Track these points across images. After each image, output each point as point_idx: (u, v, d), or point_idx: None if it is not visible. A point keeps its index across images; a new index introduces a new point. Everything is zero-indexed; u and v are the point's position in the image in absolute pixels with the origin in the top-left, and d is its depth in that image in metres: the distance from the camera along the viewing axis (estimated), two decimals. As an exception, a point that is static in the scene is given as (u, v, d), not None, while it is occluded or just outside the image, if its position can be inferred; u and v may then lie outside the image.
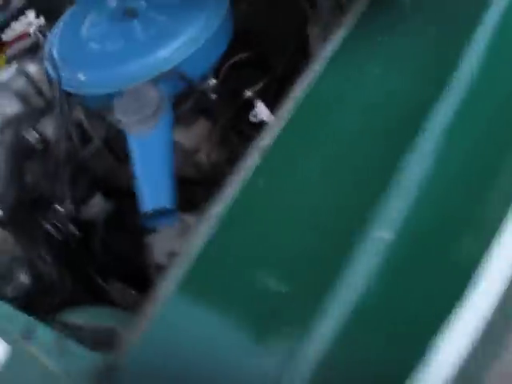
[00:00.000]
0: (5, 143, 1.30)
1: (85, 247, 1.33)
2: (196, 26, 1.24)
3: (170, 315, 0.77)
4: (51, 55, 1.26)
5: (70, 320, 0.98)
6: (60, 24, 1.37)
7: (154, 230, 1.06)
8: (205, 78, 1.31)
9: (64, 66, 1.23)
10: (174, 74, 1.17)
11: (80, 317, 0.99)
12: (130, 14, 1.28)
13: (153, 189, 1.05)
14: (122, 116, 1.09)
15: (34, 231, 1.29)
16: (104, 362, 0.74)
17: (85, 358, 0.76)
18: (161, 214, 1.02)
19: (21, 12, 1.65)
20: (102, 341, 0.86)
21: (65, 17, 1.39)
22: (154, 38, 1.24)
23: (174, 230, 1.06)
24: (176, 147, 1.38)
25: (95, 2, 1.33)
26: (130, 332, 0.76)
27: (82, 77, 1.21)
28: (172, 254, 1.05)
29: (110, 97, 1.16)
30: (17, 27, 1.59)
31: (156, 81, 1.14)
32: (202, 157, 1.42)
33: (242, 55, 1.39)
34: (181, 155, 1.42)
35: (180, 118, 1.34)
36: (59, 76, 1.20)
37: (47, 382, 0.81)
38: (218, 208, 0.81)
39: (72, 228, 1.29)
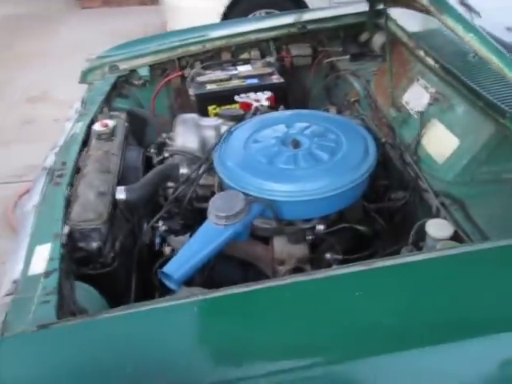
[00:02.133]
0: (165, 163, 1.75)
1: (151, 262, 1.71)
2: (323, 183, 1.47)
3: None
4: (220, 139, 1.64)
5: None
6: (240, 125, 1.74)
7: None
8: (309, 220, 1.56)
9: (227, 151, 1.61)
10: (269, 205, 1.44)
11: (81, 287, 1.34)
12: (294, 144, 1.59)
13: (180, 260, 1.35)
14: (211, 205, 1.41)
15: (132, 224, 1.70)
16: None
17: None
18: (167, 278, 1.32)
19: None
20: (72, 311, 1.21)
21: (247, 122, 1.75)
22: (288, 171, 1.52)
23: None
24: (272, 249, 1.68)
25: (268, 127, 1.67)
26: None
27: (233, 168, 1.55)
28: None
29: (227, 186, 1.49)
30: (251, 96, 2.05)
31: (252, 200, 1.43)
32: (281, 269, 1.68)
33: (355, 226, 1.60)
34: (270, 256, 1.70)
35: (288, 235, 1.62)
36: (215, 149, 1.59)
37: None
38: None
39: (152, 243, 1.68)
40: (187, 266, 1.32)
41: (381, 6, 2.37)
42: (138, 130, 2.19)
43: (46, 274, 1.29)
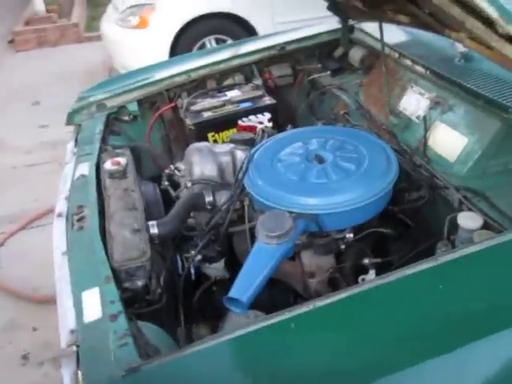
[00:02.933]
0: (189, 193, 1.77)
1: (191, 292, 1.72)
2: (358, 193, 1.54)
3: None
4: (248, 164, 1.69)
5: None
6: (259, 147, 1.80)
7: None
8: (342, 231, 1.63)
9: (257, 174, 1.65)
10: (313, 220, 1.49)
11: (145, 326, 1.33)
12: (318, 160, 1.65)
13: (243, 283, 1.37)
14: (259, 227, 1.44)
15: (168, 257, 1.70)
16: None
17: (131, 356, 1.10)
18: (235, 302, 1.34)
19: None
20: (146, 352, 1.19)
21: (264, 144, 1.82)
22: (323, 185, 1.58)
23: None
24: (300, 263, 1.73)
25: (286, 146, 1.74)
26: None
27: (268, 189, 1.59)
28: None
29: (268, 208, 1.53)
30: (253, 119, 2.11)
31: (297, 216, 1.47)
32: (312, 282, 1.73)
33: (382, 230, 1.68)
34: (299, 271, 1.75)
35: (317, 246, 1.67)
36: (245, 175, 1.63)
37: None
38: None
39: (190, 272, 1.68)
40: (252, 288, 1.35)
41: (352, 22, 2.51)
42: (137, 164, 2.19)
43: (113, 318, 1.27)
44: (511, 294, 1.10)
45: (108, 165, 1.86)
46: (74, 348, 1.25)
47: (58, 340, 1.30)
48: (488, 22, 1.14)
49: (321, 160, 1.66)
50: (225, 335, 1.11)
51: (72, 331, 1.29)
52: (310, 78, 2.55)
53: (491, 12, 1.00)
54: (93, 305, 1.35)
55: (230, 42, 4.85)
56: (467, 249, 1.21)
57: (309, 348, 1.05)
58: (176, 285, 1.66)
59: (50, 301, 2.67)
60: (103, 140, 2.17)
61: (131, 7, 4.98)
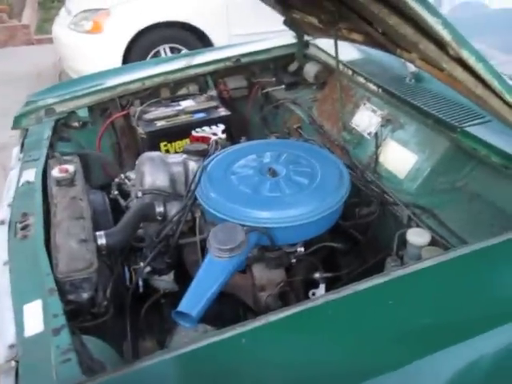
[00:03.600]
0: (140, 203, 1.73)
1: (138, 304, 1.67)
2: (311, 207, 1.55)
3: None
4: (200, 174, 1.67)
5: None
6: (213, 158, 1.79)
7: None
8: (294, 245, 1.63)
9: (210, 186, 1.62)
10: (266, 233, 1.48)
11: (89, 341, 1.28)
12: (271, 173, 1.65)
13: (193, 297, 1.35)
14: (211, 239, 1.42)
15: (116, 269, 1.65)
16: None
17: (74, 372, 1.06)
18: (184, 317, 1.31)
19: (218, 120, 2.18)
20: (91, 367, 1.15)
21: (218, 155, 1.80)
22: (276, 199, 1.58)
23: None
24: (251, 276, 1.72)
25: (240, 158, 1.74)
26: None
27: (221, 201, 1.57)
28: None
29: (220, 221, 1.51)
30: (206, 130, 2.09)
31: (250, 229, 1.46)
32: (263, 295, 1.72)
33: (332, 245, 1.69)
34: (250, 284, 1.73)
35: (268, 260, 1.66)
36: (198, 186, 1.61)
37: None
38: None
39: (138, 284, 1.64)
40: (202, 302, 1.32)
41: (308, 38, 2.54)
42: (86, 173, 2.13)
43: (55, 332, 1.22)
44: (458, 311, 1.12)
45: (55, 172, 1.79)
46: (13, 363, 1.18)
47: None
48: (440, 44, 1.17)
49: (274, 173, 1.66)
50: (173, 351, 1.08)
51: (11, 346, 1.23)
52: (265, 91, 2.56)
53: (445, 35, 1.03)
54: (35, 318, 1.29)
55: (184, 51, 4.84)
56: (417, 265, 1.23)
57: (260, 364, 1.04)
58: (123, 297, 1.61)
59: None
60: (51, 146, 2.10)
61: (85, 11, 4.89)
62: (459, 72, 1.19)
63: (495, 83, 1.10)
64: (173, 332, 1.50)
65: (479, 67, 1.08)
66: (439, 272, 1.21)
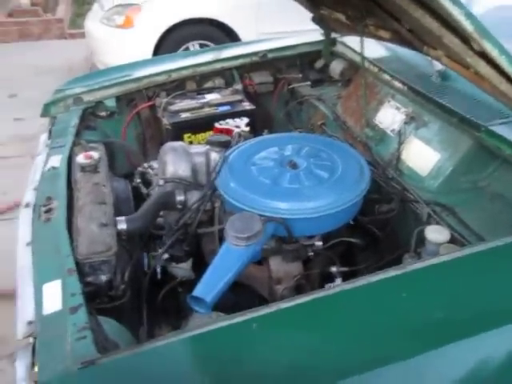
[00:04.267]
0: (161, 191, 1.75)
1: (156, 290, 1.69)
2: (330, 200, 1.55)
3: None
4: (222, 165, 1.69)
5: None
6: (234, 149, 1.80)
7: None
8: (311, 238, 1.63)
9: (230, 176, 1.64)
10: (283, 224, 1.49)
11: (105, 322, 1.31)
12: (292, 165, 1.66)
13: (209, 283, 1.36)
14: (228, 227, 1.43)
15: (135, 254, 1.68)
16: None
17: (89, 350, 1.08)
18: (199, 302, 1.32)
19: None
20: (105, 346, 1.17)
21: (240, 147, 1.81)
22: (295, 190, 1.58)
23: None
24: (268, 269, 1.72)
25: (262, 150, 1.75)
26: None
27: (240, 191, 1.58)
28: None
29: (239, 210, 1.53)
30: (230, 123, 2.11)
31: (267, 219, 1.47)
32: (279, 288, 1.72)
33: (350, 240, 1.69)
34: (266, 276, 1.74)
35: (286, 252, 1.67)
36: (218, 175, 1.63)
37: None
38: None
39: (156, 271, 1.66)
40: (216, 289, 1.34)
41: (335, 35, 2.54)
42: (110, 161, 2.17)
43: (73, 310, 1.24)
44: (471, 306, 1.11)
45: (80, 158, 1.83)
46: (31, 340, 1.21)
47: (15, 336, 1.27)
48: (464, 39, 1.16)
49: (295, 166, 1.66)
50: (184, 333, 1.10)
51: (30, 322, 1.26)
52: (290, 87, 2.56)
53: (467, 26, 1.02)
54: (53, 297, 1.32)
55: (212, 47, 4.87)
56: (433, 260, 1.23)
57: (269, 349, 1.05)
58: (141, 283, 1.64)
59: (8, 295, 2.61)
60: (77, 134, 2.14)
61: (117, 6, 4.96)
62: (483, 66, 1.18)
63: (519, 77, 1.09)
64: (187, 319, 1.51)
65: (502, 60, 1.07)
66: (454, 267, 1.21)
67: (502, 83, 1.21)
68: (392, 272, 1.18)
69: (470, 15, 1.02)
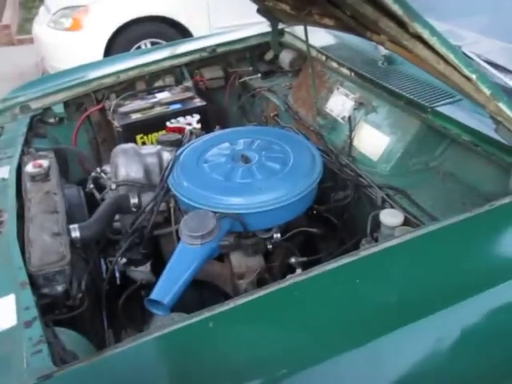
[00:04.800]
0: (114, 195, 1.72)
1: (114, 295, 1.67)
2: (283, 191, 1.54)
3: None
4: (173, 164, 1.67)
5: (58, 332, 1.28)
6: (186, 147, 1.78)
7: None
8: (269, 230, 1.63)
9: (182, 175, 1.62)
10: (238, 219, 1.48)
11: (62, 332, 1.28)
12: (244, 160, 1.65)
13: (165, 285, 1.35)
14: (182, 227, 1.42)
15: (90, 260, 1.65)
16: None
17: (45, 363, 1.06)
18: (157, 305, 1.31)
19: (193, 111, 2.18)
20: (63, 358, 1.15)
21: (191, 144, 1.80)
22: (248, 185, 1.58)
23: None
24: (229, 265, 1.72)
25: (213, 146, 1.74)
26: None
27: (193, 189, 1.57)
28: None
29: (193, 209, 1.51)
30: (181, 121, 2.09)
31: (221, 216, 1.46)
32: (242, 283, 1.72)
33: (308, 230, 1.70)
34: (228, 272, 1.74)
35: (246, 247, 1.66)
36: (169, 177, 1.61)
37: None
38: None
39: (115, 276, 1.64)
40: (173, 290, 1.32)
41: (282, 25, 2.53)
42: (63, 168, 2.12)
43: (27, 324, 1.21)
44: (423, 287, 1.12)
45: (29, 167, 1.78)
46: (-15, 357, 1.18)
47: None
48: (400, 22, 1.17)
49: (247, 160, 1.65)
50: (142, 337, 1.09)
51: (-17, 339, 1.23)
52: (242, 80, 2.55)
53: (396, 9, 1.03)
54: (7, 312, 1.29)
55: (164, 45, 4.81)
56: (387, 243, 1.24)
57: (226, 346, 1.04)
58: (100, 290, 1.61)
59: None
60: (27, 142, 2.09)
61: (64, 9, 4.85)
62: (420, 49, 1.20)
63: (451, 57, 1.10)
64: (149, 321, 1.50)
65: (434, 41, 1.08)
66: (407, 249, 1.22)
67: (439, 63, 1.22)
68: (346, 259, 1.19)
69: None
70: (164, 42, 4.84)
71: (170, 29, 4.87)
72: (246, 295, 1.14)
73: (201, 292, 1.80)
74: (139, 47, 4.84)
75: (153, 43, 4.86)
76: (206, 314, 1.09)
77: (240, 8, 4.72)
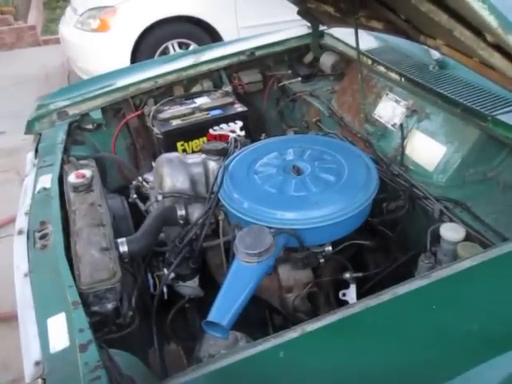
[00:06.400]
0: (161, 207, 1.67)
1: (163, 310, 1.62)
2: (341, 205, 1.48)
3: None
4: (222, 175, 1.61)
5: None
6: (234, 158, 1.72)
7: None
8: (322, 245, 1.57)
9: (233, 187, 1.56)
10: (294, 235, 1.42)
11: (117, 355, 1.23)
12: (296, 171, 1.59)
13: (223, 306, 1.29)
14: (238, 243, 1.36)
15: (139, 276, 1.60)
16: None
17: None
18: (215, 326, 1.25)
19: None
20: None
21: (239, 154, 1.74)
22: (303, 198, 1.51)
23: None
24: (277, 278, 1.66)
25: (262, 156, 1.67)
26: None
27: (245, 202, 1.51)
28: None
29: (245, 223, 1.46)
30: (224, 128, 2.03)
31: (277, 232, 1.40)
32: (290, 296, 1.66)
33: (361, 242, 1.63)
34: (276, 285, 1.68)
35: (296, 260, 1.60)
36: (221, 188, 1.55)
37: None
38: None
39: (162, 291, 1.59)
40: (231, 311, 1.27)
41: (323, 27, 2.46)
42: (102, 176, 2.08)
43: (82, 348, 1.17)
44: (507, 314, 1.05)
45: (72, 178, 1.74)
46: (40, 382, 1.14)
47: (17, 361, 1.19)
48: (477, 31, 1.10)
49: (299, 171, 1.59)
50: (206, 366, 1.03)
51: (37, 363, 1.18)
52: (281, 84, 2.49)
53: (491, 21, 0.96)
54: (59, 332, 1.24)
55: (193, 46, 4.77)
56: (457, 265, 1.16)
57: (300, 377, 0.98)
58: (147, 305, 1.56)
59: (7, 319, 2.52)
60: (65, 150, 2.05)
61: (91, 10, 4.82)
62: (497, 58, 1.12)
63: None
64: (201, 340, 1.44)
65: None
66: (482, 272, 1.15)
67: (515, 73, 1.15)
68: (417, 282, 1.12)
69: (493, 10, 0.95)
70: (191, 42, 4.81)
71: (197, 29, 4.81)
72: (314, 321, 1.08)
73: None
74: (166, 48, 4.80)
75: (180, 43, 4.82)
76: (273, 341, 1.04)
77: (267, 7, 4.71)
